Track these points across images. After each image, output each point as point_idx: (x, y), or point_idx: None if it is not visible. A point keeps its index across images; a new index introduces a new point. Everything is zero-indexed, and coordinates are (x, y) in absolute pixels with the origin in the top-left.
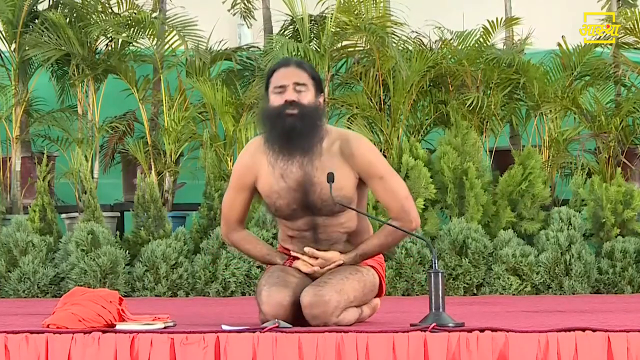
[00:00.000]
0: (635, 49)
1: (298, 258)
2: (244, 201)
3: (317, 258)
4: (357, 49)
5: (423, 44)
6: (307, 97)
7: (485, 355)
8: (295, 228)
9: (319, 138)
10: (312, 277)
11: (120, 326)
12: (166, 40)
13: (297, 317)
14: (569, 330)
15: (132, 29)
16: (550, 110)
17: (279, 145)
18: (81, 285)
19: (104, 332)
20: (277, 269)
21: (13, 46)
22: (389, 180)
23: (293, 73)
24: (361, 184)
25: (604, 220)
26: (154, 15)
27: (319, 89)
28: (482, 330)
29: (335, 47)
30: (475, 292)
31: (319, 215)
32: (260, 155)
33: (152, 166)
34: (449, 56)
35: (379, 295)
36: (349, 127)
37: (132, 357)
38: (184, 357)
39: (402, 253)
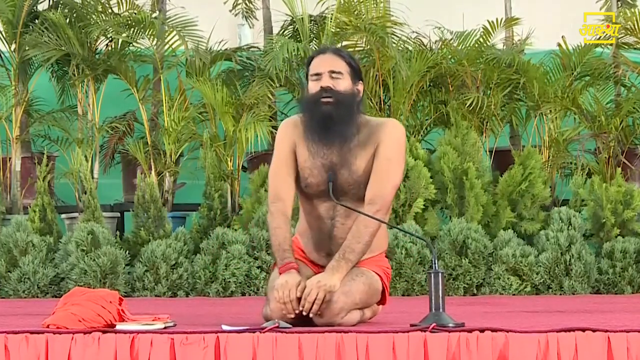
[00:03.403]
0: (635, 49)
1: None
2: (289, 172)
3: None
4: (357, 49)
5: (423, 44)
6: (343, 84)
7: (486, 355)
8: (315, 215)
9: (355, 125)
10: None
11: (120, 326)
12: (166, 41)
13: (303, 314)
14: (569, 330)
15: (132, 29)
16: (550, 111)
17: (317, 133)
18: (81, 286)
19: (104, 332)
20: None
21: (13, 46)
22: (391, 165)
23: (329, 60)
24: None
25: (604, 220)
26: (154, 15)
27: (357, 77)
28: (482, 331)
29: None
30: (475, 292)
31: (343, 199)
32: (300, 128)
33: (152, 166)
34: (449, 56)
35: (382, 302)
36: None
37: (132, 357)
38: (184, 357)
39: (402, 253)
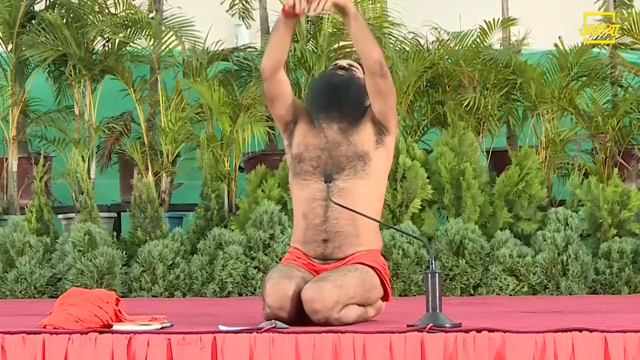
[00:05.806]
0: (632, 49)
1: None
2: (289, 91)
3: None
4: (353, 49)
5: (420, 44)
6: (358, 74)
7: (482, 355)
8: (309, 197)
9: (360, 108)
10: (314, 273)
11: (117, 327)
12: (163, 41)
13: (300, 312)
14: (566, 330)
15: (129, 29)
16: (547, 111)
17: (325, 96)
18: (78, 286)
19: (100, 332)
20: (281, 266)
21: (10, 46)
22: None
23: (349, 62)
24: (380, 145)
25: (600, 220)
26: (150, 15)
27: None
28: (479, 331)
29: (332, 48)
30: (472, 292)
31: (336, 174)
32: (303, 110)
33: (149, 167)
34: (446, 57)
35: (385, 299)
36: None
37: (128, 357)
38: (180, 357)
39: (399, 254)
